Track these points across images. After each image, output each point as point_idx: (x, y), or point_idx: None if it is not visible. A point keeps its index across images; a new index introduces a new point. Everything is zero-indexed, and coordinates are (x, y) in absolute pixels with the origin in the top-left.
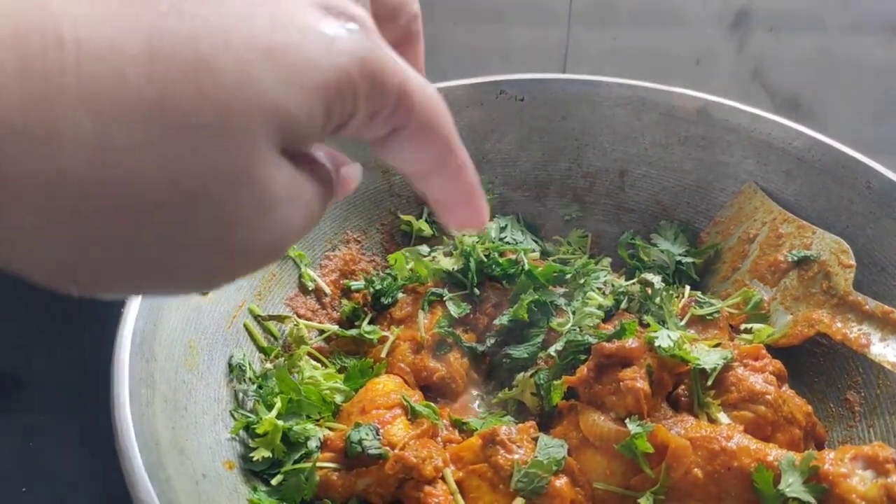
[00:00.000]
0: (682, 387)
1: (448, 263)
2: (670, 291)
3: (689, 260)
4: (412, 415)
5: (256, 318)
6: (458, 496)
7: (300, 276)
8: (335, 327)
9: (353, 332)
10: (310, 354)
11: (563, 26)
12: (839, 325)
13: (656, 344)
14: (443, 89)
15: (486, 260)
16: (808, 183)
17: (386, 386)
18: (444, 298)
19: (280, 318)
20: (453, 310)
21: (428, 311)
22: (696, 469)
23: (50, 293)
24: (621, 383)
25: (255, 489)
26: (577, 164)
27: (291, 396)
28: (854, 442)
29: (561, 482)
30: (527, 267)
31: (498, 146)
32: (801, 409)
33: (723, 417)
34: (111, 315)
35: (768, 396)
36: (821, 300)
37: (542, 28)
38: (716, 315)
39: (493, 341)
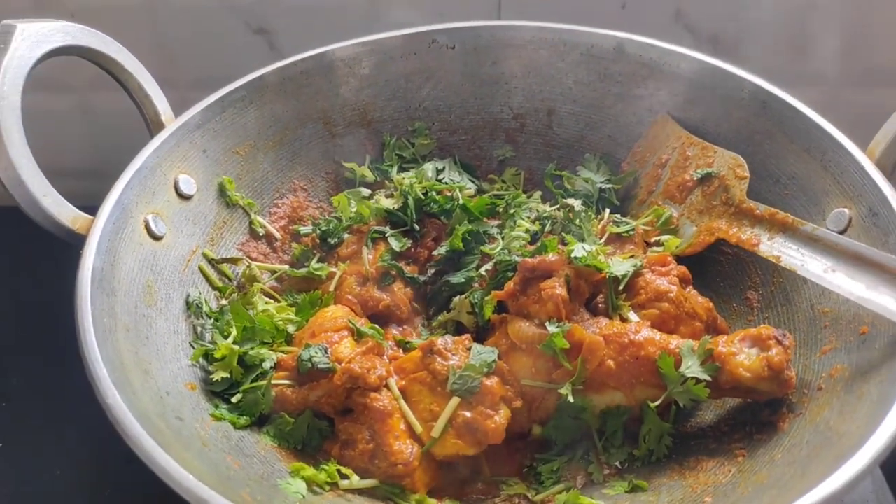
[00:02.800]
0: (601, 296)
1: (389, 203)
2: (589, 213)
3: (610, 186)
4: (358, 336)
5: (210, 261)
6: (401, 400)
7: (250, 223)
8: (286, 267)
9: (303, 270)
10: (263, 292)
11: None
12: (735, 230)
13: (573, 255)
14: (378, 41)
15: (423, 198)
16: (712, 108)
17: (333, 313)
18: (387, 235)
19: (233, 261)
20: (395, 244)
21: (371, 247)
22: (609, 360)
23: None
24: (542, 292)
25: (216, 406)
26: (508, 106)
27: (246, 325)
28: None
29: (492, 381)
30: (461, 201)
31: (433, 93)
32: (703, 305)
33: (632, 316)
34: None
35: (671, 295)
36: (721, 211)
37: None
38: (631, 232)
39: (433, 271)
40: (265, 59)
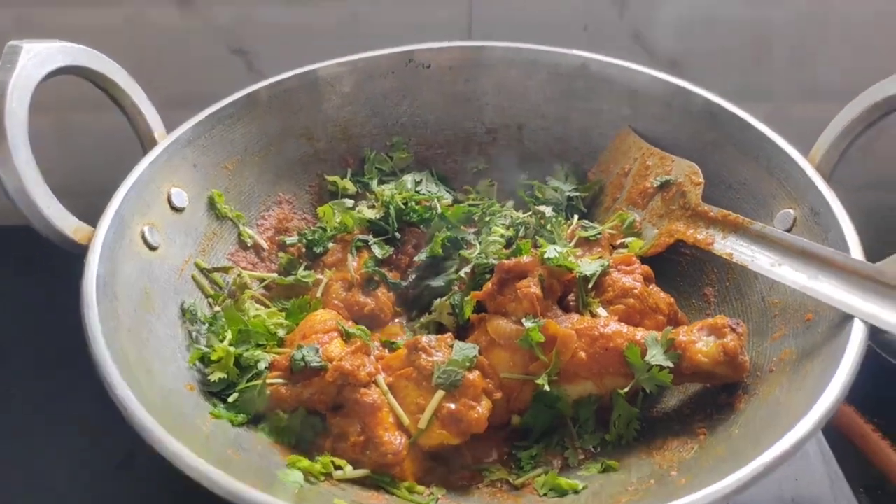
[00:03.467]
0: (572, 295)
1: (371, 213)
2: (559, 219)
3: (577, 194)
4: (346, 336)
5: (203, 270)
6: (389, 395)
7: (239, 234)
8: (274, 275)
9: (291, 278)
10: (253, 299)
11: (465, 3)
12: (692, 231)
13: (546, 256)
14: (358, 60)
15: (404, 208)
16: (668, 121)
17: (322, 317)
18: (370, 243)
19: (224, 269)
20: (378, 251)
21: (356, 254)
22: (580, 352)
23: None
24: (518, 291)
25: (214, 405)
26: (481, 121)
27: (240, 328)
28: None
29: (473, 375)
30: (440, 210)
31: (410, 110)
32: (665, 300)
33: (601, 312)
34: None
35: (636, 291)
36: (678, 214)
37: (447, 6)
38: (598, 236)
39: (414, 276)
40: (243, 78)
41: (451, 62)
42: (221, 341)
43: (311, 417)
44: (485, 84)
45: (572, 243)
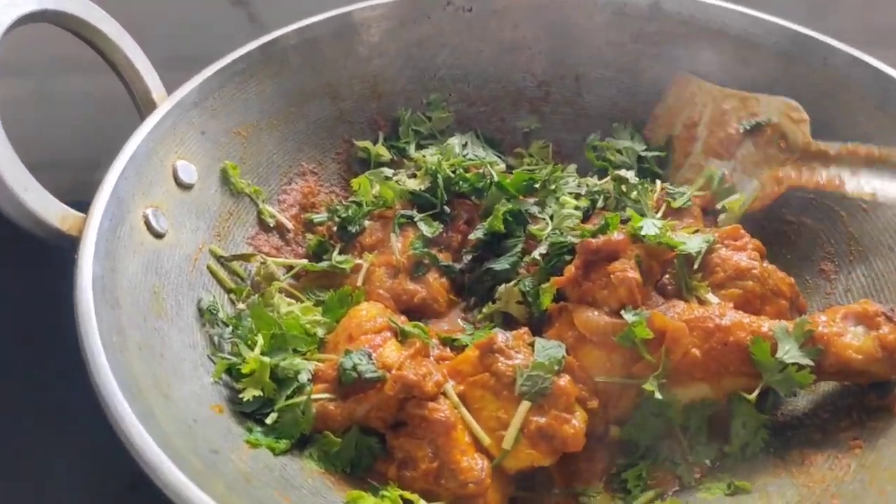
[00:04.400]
0: (668, 276)
1: (414, 184)
2: (645, 185)
3: (649, 154)
4: (402, 336)
5: (219, 259)
6: (463, 408)
7: (259, 213)
8: (304, 261)
9: (324, 264)
10: (283, 291)
11: None
12: (807, 175)
13: (642, 233)
14: (387, 3)
15: (453, 176)
16: (764, 67)
17: (369, 312)
18: (416, 219)
19: (245, 257)
20: (426, 230)
21: (399, 233)
22: (693, 349)
23: None
24: (612, 276)
25: (250, 430)
26: (532, 73)
27: (274, 332)
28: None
29: (564, 381)
30: (496, 178)
31: (449, 62)
32: (785, 280)
33: (712, 298)
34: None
35: (755, 271)
36: (782, 159)
37: None
38: (689, 203)
39: (469, 258)
40: (245, 33)
41: (495, 4)
42: (251, 348)
43: (367, 438)
44: (536, 29)
45: (660, 214)
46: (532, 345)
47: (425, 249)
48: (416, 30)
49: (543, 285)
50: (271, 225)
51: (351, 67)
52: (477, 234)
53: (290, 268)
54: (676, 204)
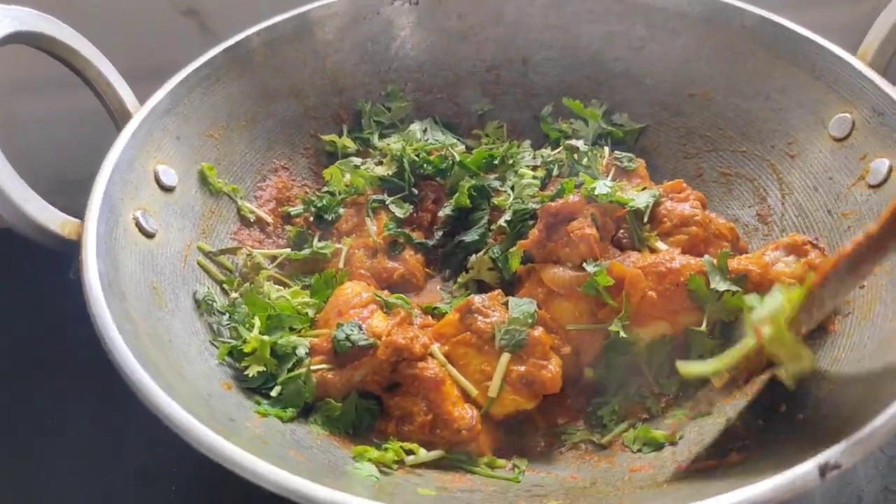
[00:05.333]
0: (622, 231)
1: (382, 170)
2: (594, 151)
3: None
4: (386, 307)
5: (207, 254)
6: (449, 366)
7: (238, 209)
8: (288, 250)
9: (306, 251)
10: (270, 278)
11: None
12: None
13: (596, 193)
14: (336, 2)
15: (417, 160)
16: (693, 35)
17: (353, 289)
18: (387, 203)
19: (231, 251)
20: (398, 211)
21: (373, 217)
22: (650, 292)
23: None
24: (572, 234)
25: (258, 402)
26: (481, 59)
27: (270, 313)
28: None
29: (538, 332)
30: (458, 159)
31: (401, 53)
32: (726, 225)
33: (661, 245)
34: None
35: (697, 218)
36: None
37: None
38: (633, 164)
39: (441, 233)
40: (197, 41)
41: None
42: (250, 330)
43: (365, 401)
44: (480, 17)
45: (610, 176)
46: (506, 304)
47: (399, 229)
48: (367, 25)
49: (511, 250)
50: (252, 220)
51: (311, 65)
52: (445, 210)
53: (274, 257)
54: (622, 165)
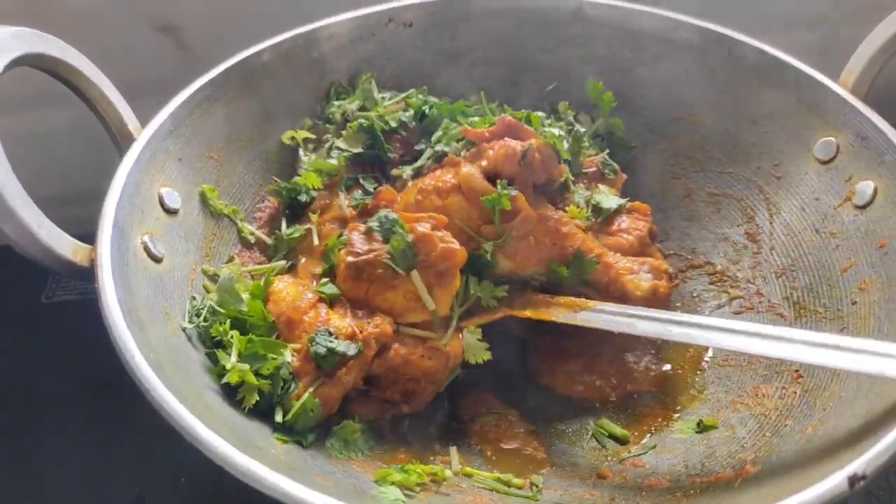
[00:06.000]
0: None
1: (356, 147)
2: (587, 140)
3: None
4: (329, 302)
5: (213, 277)
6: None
7: (239, 231)
8: (267, 266)
9: (271, 239)
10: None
11: None
12: None
13: (544, 131)
14: (334, 24)
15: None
16: (679, 60)
17: (290, 291)
18: (360, 180)
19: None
20: (369, 186)
21: (346, 193)
22: (531, 236)
23: None
24: (506, 142)
25: (275, 429)
26: (472, 79)
27: (249, 340)
28: (761, 267)
29: (424, 228)
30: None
31: (396, 73)
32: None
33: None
34: None
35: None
36: None
37: None
38: (614, 176)
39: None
40: (175, 59)
41: (432, 18)
42: (228, 353)
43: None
44: (472, 38)
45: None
46: (368, 231)
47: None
48: (363, 46)
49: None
50: (252, 241)
51: (307, 85)
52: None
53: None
54: (604, 171)
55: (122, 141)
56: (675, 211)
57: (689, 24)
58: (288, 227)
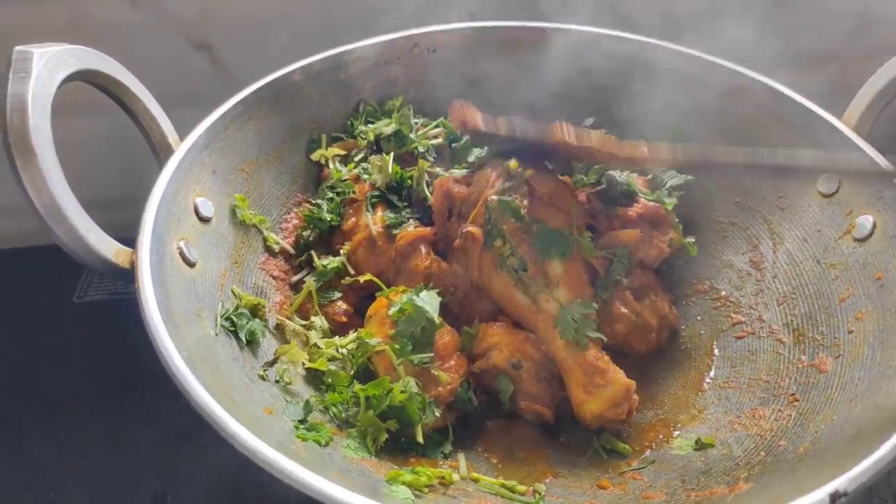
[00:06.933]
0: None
1: (379, 180)
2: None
3: None
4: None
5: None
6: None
7: (264, 240)
8: (288, 269)
9: (312, 279)
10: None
11: None
12: None
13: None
14: (363, 48)
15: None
16: (688, 93)
17: (381, 302)
18: (388, 195)
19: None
20: (395, 199)
21: (372, 211)
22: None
23: None
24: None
25: (296, 427)
26: (491, 104)
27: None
28: (763, 294)
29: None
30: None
31: (419, 96)
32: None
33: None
34: None
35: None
36: None
37: None
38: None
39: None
40: (208, 74)
41: (455, 44)
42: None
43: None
44: (492, 66)
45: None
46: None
47: (397, 215)
48: (388, 69)
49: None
50: (276, 251)
51: (333, 105)
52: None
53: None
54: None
55: (161, 152)
56: None
57: (701, 58)
58: (322, 254)
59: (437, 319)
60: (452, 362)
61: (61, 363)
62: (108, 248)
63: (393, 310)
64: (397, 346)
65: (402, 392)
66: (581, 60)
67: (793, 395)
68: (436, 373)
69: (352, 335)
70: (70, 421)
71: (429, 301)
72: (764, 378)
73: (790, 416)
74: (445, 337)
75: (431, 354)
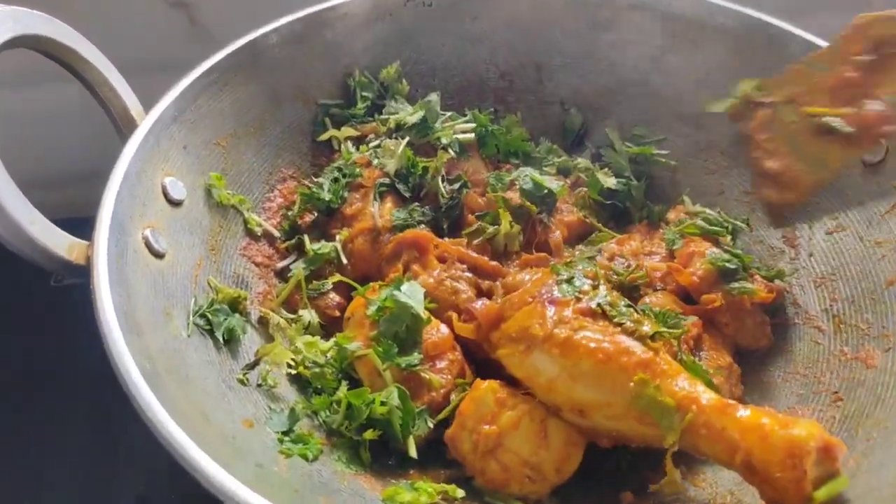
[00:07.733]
0: None
1: (391, 166)
2: None
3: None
4: None
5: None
6: None
7: (245, 223)
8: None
9: (300, 265)
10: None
11: None
12: None
13: None
14: (349, 3)
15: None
16: (714, 47)
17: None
18: (396, 184)
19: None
20: (403, 189)
21: (380, 201)
22: None
23: None
24: None
25: (280, 441)
26: (494, 64)
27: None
28: (798, 274)
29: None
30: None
31: (414, 57)
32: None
33: None
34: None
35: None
36: None
37: None
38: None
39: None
40: (186, 36)
41: None
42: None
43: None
44: (494, 20)
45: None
46: None
47: (405, 216)
48: (379, 27)
49: None
50: (259, 234)
51: (320, 68)
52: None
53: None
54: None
55: (124, 127)
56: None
57: (727, 8)
58: (315, 238)
59: (424, 314)
60: (446, 362)
61: (36, 353)
62: (59, 242)
63: (371, 309)
64: (381, 350)
65: (383, 405)
66: (589, 13)
67: (835, 392)
68: (426, 376)
69: (331, 341)
70: (45, 419)
71: (412, 294)
72: (801, 372)
73: (834, 417)
74: (435, 333)
75: (420, 356)
